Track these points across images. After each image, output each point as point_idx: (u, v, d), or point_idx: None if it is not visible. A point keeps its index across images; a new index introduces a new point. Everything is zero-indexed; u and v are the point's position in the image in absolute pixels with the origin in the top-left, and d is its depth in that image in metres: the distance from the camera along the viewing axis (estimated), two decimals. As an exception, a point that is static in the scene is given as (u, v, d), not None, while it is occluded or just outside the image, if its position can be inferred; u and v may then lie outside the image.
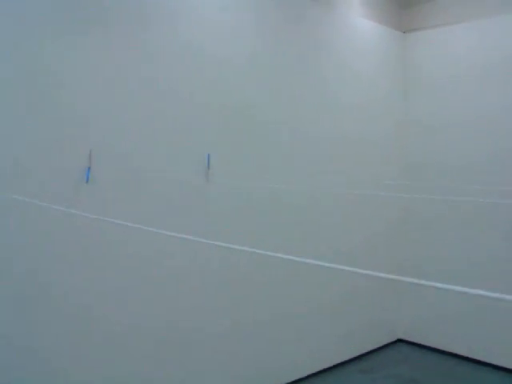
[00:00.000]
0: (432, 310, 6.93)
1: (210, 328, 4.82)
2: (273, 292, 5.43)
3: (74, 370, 3.98)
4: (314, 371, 5.94)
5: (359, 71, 6.61)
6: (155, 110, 4.48)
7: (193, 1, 4.74)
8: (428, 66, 7.20)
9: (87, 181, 4.07)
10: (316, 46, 6.01)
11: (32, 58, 3.82)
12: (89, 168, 4.08)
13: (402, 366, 6.46)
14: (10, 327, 3.69)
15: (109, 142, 4.23)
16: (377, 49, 6.93)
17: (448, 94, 6.93)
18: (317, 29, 6.01)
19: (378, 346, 6.98)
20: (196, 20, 4.76)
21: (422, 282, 1.37)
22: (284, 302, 5.57)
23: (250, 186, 4.71)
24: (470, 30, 6.76)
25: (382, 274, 1.53)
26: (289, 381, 5.61)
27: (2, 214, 3.68)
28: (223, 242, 4.77)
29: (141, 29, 4.40)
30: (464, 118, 6.76)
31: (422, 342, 7.11)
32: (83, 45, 4.07)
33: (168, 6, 4.55)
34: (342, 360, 6.38)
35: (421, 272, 7.04)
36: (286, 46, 5.62)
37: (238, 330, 5.09)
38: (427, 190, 6.50)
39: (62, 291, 3.95)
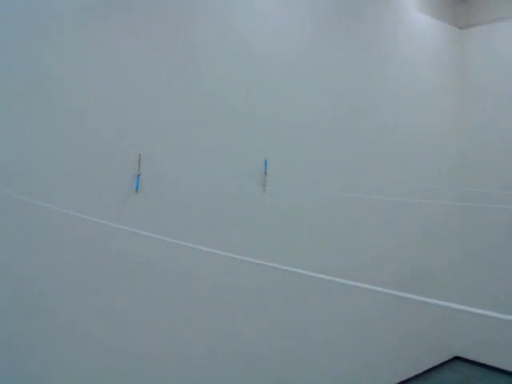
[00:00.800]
0: (490, 326, 6.40)
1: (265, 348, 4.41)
2: (328, 312, 4.99)
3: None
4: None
5: (417, 66, 6.15)
6: (207, 113, 4.09)
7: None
8: (485, 62, 6.70)
9: (137, 189, 3.69)
10: (373, 41, 5.57)
11: (85, 59, 3.46)
12: (138, 176, 3.70)
13: (462, 387, 5.97)
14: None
15: (159, 147, 3.85)
16: (433, 44, 6.46)
17: (505, 96, 6.42)
18: (374, 23, 5.57)
19: (433, 364, 6.49)
20: (251, 17, 4.36)
21: (480, 311, 1.22)
22: (339, 320, 5.13)
23: (312, 193, 4.28)
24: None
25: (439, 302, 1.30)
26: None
27: (41, 224, 3.32)
28: (281, 256, 4.47)
29: (192, 28, 4.02)
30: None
31: (481, 360, 6.60)
32: (136, 46, 3.71)
33: (220, 3, 4.16)
34: (399, 380, 5.91)
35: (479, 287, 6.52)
36: (343, 42, 5.19)
37: (293, 350, 4.67)
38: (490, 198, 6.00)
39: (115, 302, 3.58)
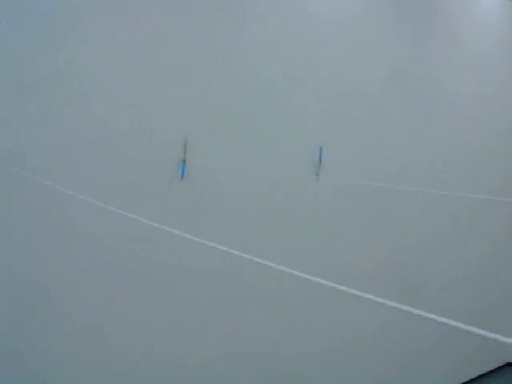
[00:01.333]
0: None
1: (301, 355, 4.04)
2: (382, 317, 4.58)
3: None
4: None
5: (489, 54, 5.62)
6: (257, 96, 3.68)
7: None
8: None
9: (182, 177, 3.33)
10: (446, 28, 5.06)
11: (131, 41, 3.09)
12: (184, 161, 3.34)
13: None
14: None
15: (206, 131, 3.47)
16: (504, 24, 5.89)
17: None
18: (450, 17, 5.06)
19: (484, 370, 6.05)
20: (324, 10, 3.92)
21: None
22: (391, 327, 4.72)
23: (370, 185, 3.85)
24: None
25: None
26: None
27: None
28: (335, 253, 4.10)
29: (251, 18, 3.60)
30: None
31: (535, 368, 6.14)
32: (188, 30, 3.32)
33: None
34: (448, 387, 5.50)
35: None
36: (414, 31, 4.69)
37: (338, 351, 4.29)
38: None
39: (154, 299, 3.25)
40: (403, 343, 4.91)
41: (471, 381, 5.82)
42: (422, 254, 4.93)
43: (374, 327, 4.43)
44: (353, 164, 4.06)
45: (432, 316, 0.93)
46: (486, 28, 5.66)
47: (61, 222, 3.00)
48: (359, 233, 4.21)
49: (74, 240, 3.00)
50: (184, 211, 3.33)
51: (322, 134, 3.93)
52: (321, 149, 3.89)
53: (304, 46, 3.89)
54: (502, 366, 6.30)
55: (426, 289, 4.79)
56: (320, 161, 3.89)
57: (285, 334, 3.88)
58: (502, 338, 0.96)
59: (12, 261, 2.80)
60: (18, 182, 2.73)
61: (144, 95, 3.21)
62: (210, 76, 3.47)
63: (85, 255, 3.03)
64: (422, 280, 4.79)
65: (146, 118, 3.24)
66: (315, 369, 4.14)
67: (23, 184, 2.76)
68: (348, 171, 4.00)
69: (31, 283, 2.86)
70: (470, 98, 5.42)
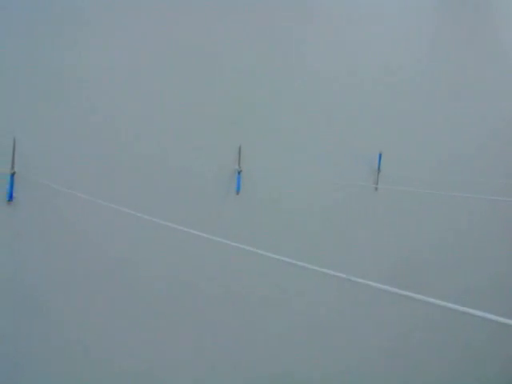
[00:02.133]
0: None
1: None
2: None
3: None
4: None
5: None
6: (313, 101, 3.46)
7: None
8: None
9: (238, 191, 3.13)
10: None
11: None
12: (239, 173, 3.14)
13: None
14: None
15: (258, 140, 3.26)
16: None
17: None
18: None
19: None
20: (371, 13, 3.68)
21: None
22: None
23: (433, 194, 3.59)
24: None
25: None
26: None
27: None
28: (397, 269, 3.79)
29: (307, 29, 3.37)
30: None
31: None
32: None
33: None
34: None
35: None
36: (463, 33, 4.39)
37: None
38: None
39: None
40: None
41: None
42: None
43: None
44: (412, 171, 3.80)
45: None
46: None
47: (113, 240, 2.84)
48: (422, 247, 3.94)
49: (134, 257, 2.84)
50: (240, 226, 3.14)
51: (380, 138, 3.68)
52: (380, 155, 3.64)
53: (360, 46, 3.65)
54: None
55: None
56: (379, 169, 3.64)
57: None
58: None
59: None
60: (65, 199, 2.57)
61: (195, 102, 3.02)
62: (263, 82, 3.26)
63: (148, 273, 2.86)
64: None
65: (197, 126, 3.05)
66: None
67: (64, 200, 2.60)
68: (408, 179, 3.74)
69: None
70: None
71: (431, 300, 0.94)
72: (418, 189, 3.57)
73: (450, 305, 0.90)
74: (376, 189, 3.68)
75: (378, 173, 3.65)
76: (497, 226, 4.55)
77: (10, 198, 2.66)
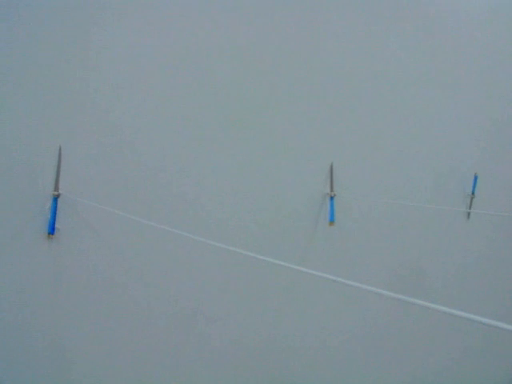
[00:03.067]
0: None
1: None
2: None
3: None
4: None
5: None
6: (394, 111, 2.85)
7: None
8: None
9: (332, 220, 2.48)
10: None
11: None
12: (332, 198, 2.48)
13: None
14: None
15: (352, 157, 2.63)
16: None
17: None
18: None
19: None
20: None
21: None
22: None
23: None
24: None
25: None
26: None
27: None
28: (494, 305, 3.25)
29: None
30: None
31: None
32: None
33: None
34: None
35: None
36: None
37: None
38: None
39: None
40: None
41: None
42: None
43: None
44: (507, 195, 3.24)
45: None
46: None
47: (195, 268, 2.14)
48: None
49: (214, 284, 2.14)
50: (332, 258, 2.48)
51: (475, 158, 3.10)
52: (475, 177, 3.06)
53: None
54: None
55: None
56: (473, 193, 3.06)
57: None
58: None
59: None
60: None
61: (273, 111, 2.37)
62: (359, 87, 2.63)
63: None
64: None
65: (281, 141, 2.40)
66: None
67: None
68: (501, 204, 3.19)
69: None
70: None
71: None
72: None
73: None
74: (469, 217, 3.10)
75: (472, 197, 3.06)
76: None
77: (52, 230, 1.91)
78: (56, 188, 1.90)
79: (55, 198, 1.90)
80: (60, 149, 1.91)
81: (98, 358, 2.09)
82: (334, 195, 2.47)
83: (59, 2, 1.88)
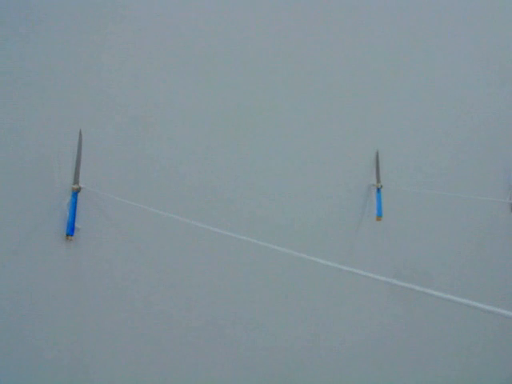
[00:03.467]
0: None
1: None
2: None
3: None
4: None
5: None
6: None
7: None
8: None
9: (379, 214, 2.20)
10: None
11: None
12: (379, 189, 2.21)
13: None
14: None
15: (398, 144, 2.35)
16: None
17: None
18: None
19: None
20: None
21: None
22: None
23: None
24: None
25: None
26: None
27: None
28: None
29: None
30: None
31: None
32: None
33: None
34: None
35: None
36: None
37: None
38: None
39: None
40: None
41: None
42: None
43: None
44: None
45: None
46: None
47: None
48: None
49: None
50: (380, 257, 2.22)
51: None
52: (518, 167, 2.82)
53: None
54: None
55: None
56: (516, 183, 2.81)
57: None
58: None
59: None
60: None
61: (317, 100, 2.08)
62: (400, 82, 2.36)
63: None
64: None
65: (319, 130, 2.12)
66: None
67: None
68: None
69: None
70: None
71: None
72: None
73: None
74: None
75: (515, 189, 2.82)
76: None
77: (71, 231, 1.59)
78: (76, 181, 1.59)
79: (75, 193, 1.59)
80: (80, 133, 1.60)
81: (124, 372, 1.79)
82: (381, 187, 2.19)
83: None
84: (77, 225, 1.60)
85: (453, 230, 2.56)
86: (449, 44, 2.49)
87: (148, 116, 1.77)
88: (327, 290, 2.19)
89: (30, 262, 1.56)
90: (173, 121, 1.81)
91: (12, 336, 1.54)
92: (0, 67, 1.48)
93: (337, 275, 2.10)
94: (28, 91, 1.53)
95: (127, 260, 1.70)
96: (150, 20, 1.74)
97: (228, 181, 1.93)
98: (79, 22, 1.61)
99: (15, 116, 1.51)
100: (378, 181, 2.20)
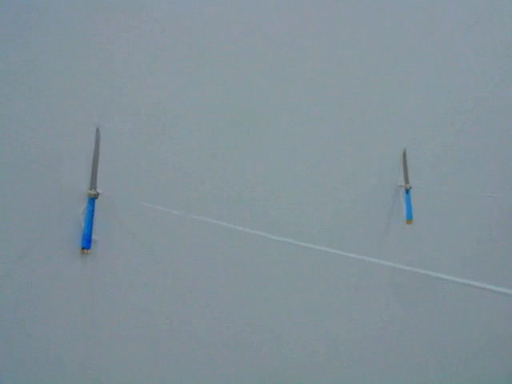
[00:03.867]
0: None
1: None
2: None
3: None
4: None
5: None
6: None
7: None
8: None
9: (409, 217, 2.05)
10: None
11: None
12: (407, 191, 2.06)
13: None
14: None
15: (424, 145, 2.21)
16: None
17: None
18: None
19: None
20: None
21: None
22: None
23: None
24: None
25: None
26: None
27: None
28: None
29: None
30: None
31: None
32: None
33: None
34: None
35: None
36: None
37: None
38: None
39: None
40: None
41: None
42: None
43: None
44: None
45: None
46: None
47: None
48: None
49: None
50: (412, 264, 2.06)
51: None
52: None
53: None
54: None
55: None
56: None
57: None
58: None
59: None
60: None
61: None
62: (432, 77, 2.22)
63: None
64: None
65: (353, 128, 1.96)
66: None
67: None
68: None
69: None
70: None
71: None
72: None
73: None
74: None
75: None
76: None
77: (88, 244, 1.37)
78: (93, 186, 1.37)
79: (92, 199, 1.37)
80: (98, 131, 1.38)
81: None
82: (410, 188, 2.04)
83: None
84: (94, 236, 1.38)
85: (491, 235, 2.41)
86: (471, 42, 2.37)
87: (162, 116, 1.57)
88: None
89: (39, 281, 1.33)
90: (187, 123, 1.62)
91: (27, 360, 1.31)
92: (13, 66, 1.27)
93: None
94: (38, 89, 1.31)
95: (150, 276, 1.49)
96: (164, 23, 1.56)
97: (249, 182, 1.75)
98: (94, 23, 1.41)
99: (23, 115, 1.30)
100: (407, 181, 2.05)
